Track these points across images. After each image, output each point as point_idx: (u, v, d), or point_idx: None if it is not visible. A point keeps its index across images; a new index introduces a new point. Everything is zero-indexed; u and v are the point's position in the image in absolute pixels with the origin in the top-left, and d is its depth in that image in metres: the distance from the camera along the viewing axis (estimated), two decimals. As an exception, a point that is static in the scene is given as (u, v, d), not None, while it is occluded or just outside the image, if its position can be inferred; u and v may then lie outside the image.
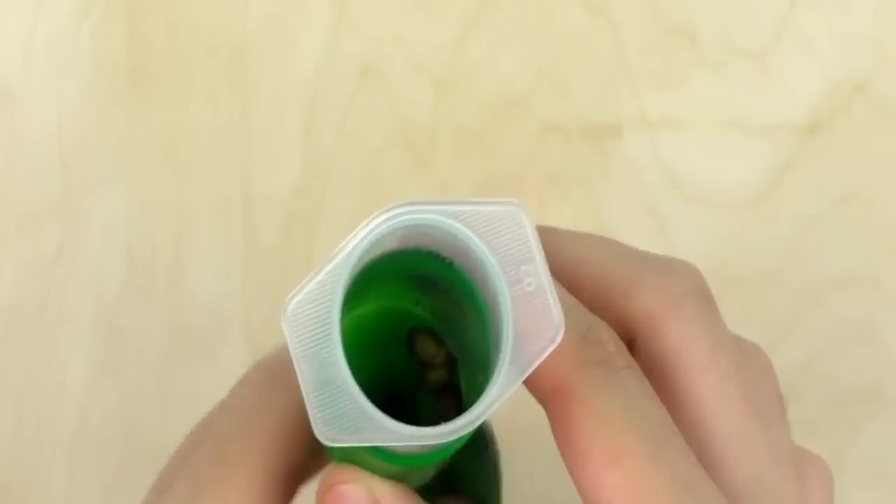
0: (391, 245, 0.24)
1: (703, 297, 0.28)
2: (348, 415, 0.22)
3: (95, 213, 0.49)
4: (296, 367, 0.22)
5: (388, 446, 0.23)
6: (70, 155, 0.50)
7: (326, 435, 0.22)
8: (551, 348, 0.23)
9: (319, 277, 0.23)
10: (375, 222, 0.24)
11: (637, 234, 0.49)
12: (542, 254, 0.23)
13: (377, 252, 0.24)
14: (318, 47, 0.51)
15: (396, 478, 0.26)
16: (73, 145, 0.50)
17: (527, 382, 0.25)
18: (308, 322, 0.22)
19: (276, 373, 0.30)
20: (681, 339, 0.27)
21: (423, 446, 0.23)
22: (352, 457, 0.26)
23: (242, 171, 0.50)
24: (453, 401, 0.27)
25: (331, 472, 0.26)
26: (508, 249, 0.23)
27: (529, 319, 0.23)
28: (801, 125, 0.49)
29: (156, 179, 0.50)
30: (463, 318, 0.25)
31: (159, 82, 0.51)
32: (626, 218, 0.49)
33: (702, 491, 0.24)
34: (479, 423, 0.23)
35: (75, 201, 0.50)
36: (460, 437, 0.23)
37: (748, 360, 0.28)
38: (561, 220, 0.49)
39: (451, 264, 0.24)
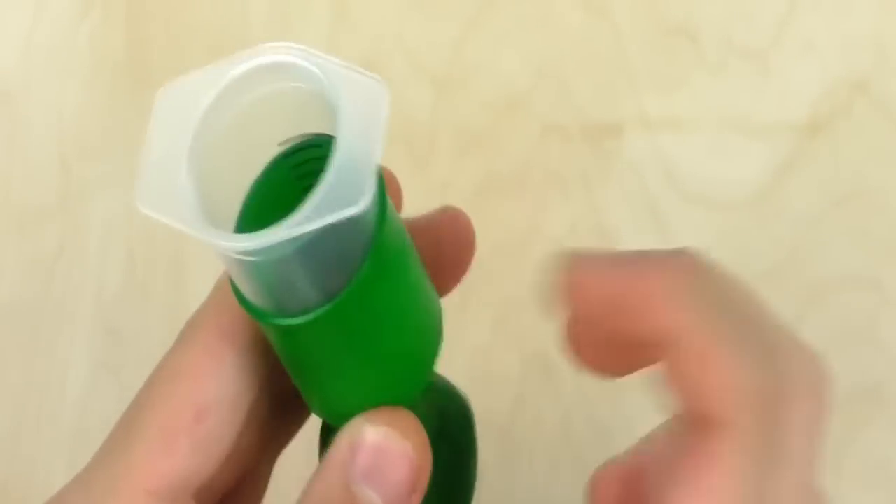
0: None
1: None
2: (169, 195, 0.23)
3: (95, 213, 0.49)
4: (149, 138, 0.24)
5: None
6: (70, 155, 0.50)
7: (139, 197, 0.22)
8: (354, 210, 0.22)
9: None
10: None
11: (637, 234, 0.48)
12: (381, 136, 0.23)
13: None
14: (319, 47, 0.51)
15: None
16: (73, 145, 0.50)
17: (683, 395, 0.24)
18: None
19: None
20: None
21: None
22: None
23: (242, 171, 0.50)
24: None
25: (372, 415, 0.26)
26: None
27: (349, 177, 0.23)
28: (801, 125, 0.49)
29: (156, 179, 0.50)
30: None
31: (159, 82, 0.51)
32: (626, 218, 0.49)
33: None
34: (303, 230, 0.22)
35: (75, 201, 0.50)
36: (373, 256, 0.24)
37: None
38: (561, 220, 0.49)
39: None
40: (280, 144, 0.25)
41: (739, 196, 0.49)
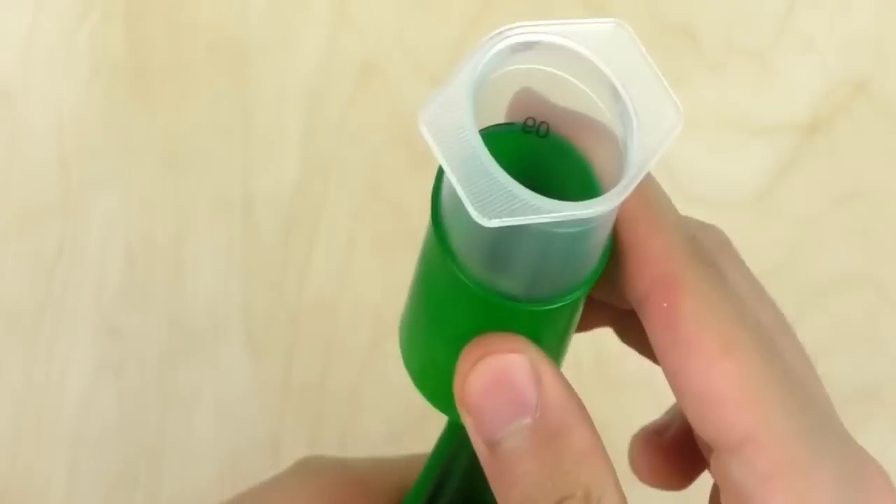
0: (498, 73, 0.25)
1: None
2: (499, 199, 0.22)
3: (95, 212, 0.49)
4: (443, 163, 0.23)
5: (545, 227, 0.23)
6: (70, 155, 0.50)
7: (484, 214, 0.22)
8: (677, 130, 0.23)
9: (449, 90, 0.24)
10: (492, 41, 0.25)
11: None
12: (651, 63, 0.24)
13: (496, 71, 0.24)
14: (318, 47, 0.51)
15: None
16: (73, 145, 0.50)
17: (631, 273, 0.25)
18: (445, 126, 0.24)
19: None
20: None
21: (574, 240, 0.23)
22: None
23: (242, 171, 0.50)
24: None
25: (488, 340, 0.25)
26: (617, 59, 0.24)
27: (651, 110, 0.24)
28: (801, 125, 0.49)
29: (156, 179, 0.50)
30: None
31: (159, 82, 0.51)
32: (626, 218, 0.49)
33: (812, 387, 0.25)
34: (631, 189, 0.23)
35: (75, 201, 0.50)
36: (605, 254, 0.24)
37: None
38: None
39: (546, 135, 0.25)
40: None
41: (739, 196, 0.49)
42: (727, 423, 0.24)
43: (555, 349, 0.26)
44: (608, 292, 0.26)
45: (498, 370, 0.24)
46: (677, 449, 0.30)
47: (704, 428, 0.24)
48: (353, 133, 0.50)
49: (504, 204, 0.22)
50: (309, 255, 0.49)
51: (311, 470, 0.33)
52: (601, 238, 0.25)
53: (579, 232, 0.24)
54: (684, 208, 0.50)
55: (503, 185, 0.22)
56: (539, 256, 0.24)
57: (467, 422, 0.25)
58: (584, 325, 0.28)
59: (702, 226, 0.29)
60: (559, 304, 0.25)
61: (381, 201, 0.50)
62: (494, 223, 0.22)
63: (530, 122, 0.25)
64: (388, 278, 0.48)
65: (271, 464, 0.47)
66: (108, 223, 0.49)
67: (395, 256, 0.48)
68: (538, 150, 0.25)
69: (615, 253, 0.26)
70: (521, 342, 0.25)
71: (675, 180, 0.49)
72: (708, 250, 0.26)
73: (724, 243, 0.29)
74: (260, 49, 0.51)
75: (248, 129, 0.50)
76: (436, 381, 0.27)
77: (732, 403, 0.24)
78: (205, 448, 0.47)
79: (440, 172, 0.26)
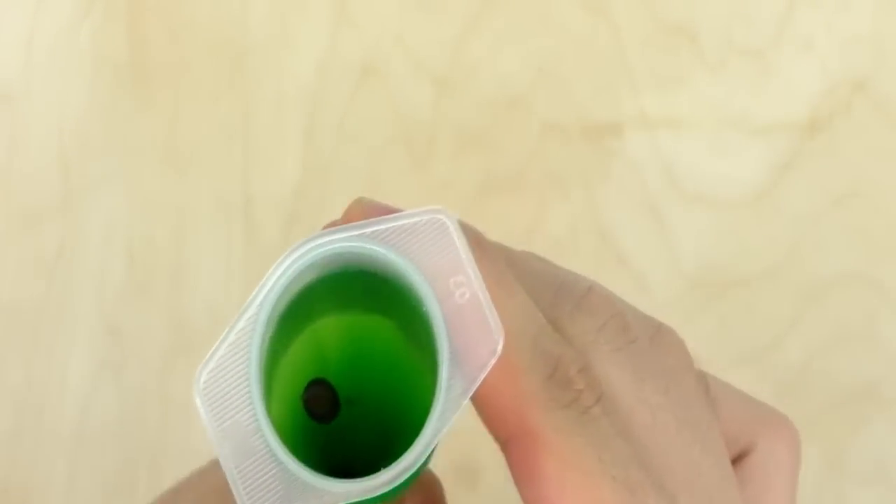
0: (312, 276, 0.22)
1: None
2: (277, 484, 0.20)
3: (95, 212, 0.49)
4: (215, 445, 0.21)
5: None
6: (70, 155, 0.50)
7: None
8: (492, 362, 0.21)
9: (230, 339, 0.21)
10: (285, 264, 0.21)
11: (637, 234, 0.49)
12: (472, 260, 0.21)
13: (300, 285, 0.22)
14: (318, 47, 0.51)
15: None
16: (74, 145, 0.50)
17: (486, 422, 0.23)
18: (224, 390, 0.21)
19: None
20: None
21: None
22: None
23: (242, 171, 0.50)
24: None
25: None
26: (437, 261, 0.21)
27: (467, 334, 0.21)
28: (801, 125, 0.49)
29: (156, 179, 0.50)
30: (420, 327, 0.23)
31: (159, 82, 0.51)
32: (626, 217, 0.49)
33: None
34: (422, 460, 0.21)
35: (75, 201, 0.50)
36: (410, 476, 0.21)
37: (663, 355, 0.26)
38: (561, 219, 0.49)
39: (386, 280, 0.23)
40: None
41: (739, 195, 0.49)
42: None
43: None
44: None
45: None
46: None
47: None
48: (353, 133, 0.50)
49: (283, 487, 0.20)
50: (309, 254, 0.49)
51: None
52: (413, 469, 0.22)
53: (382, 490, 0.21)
54: (684, 208, 0.50)
55: (285, 465, 0.20)
56: None
57: None
58: None
59: (655, 328, 0.26)
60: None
61: (381, 201, 0.50)
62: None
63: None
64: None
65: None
66: (109, 223, 0.49)
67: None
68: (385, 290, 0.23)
69: (474, 398, 0.23)
70: None
71: (675, 180, 0.49)
72: (568, 384, 0.23)
73: (669, 347, 0.26)
74: (260, 49, 0.51)
75: (248, 129, 0.50)
76: None
77: None
78: (205, 448, 0.47)
79: None
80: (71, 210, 0.49)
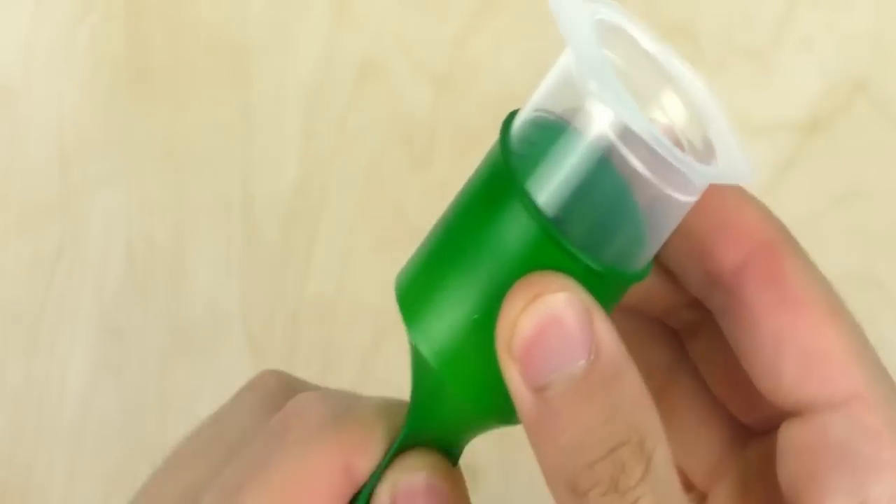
0: None
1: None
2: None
3: (95, 211, 0.49)
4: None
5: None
6: (70, 154, 0.50)
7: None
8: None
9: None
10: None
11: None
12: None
13: None
14: (318, 46, 0.51)
15: None
16: (74, 145, 0.50)
17: (725, 239, 0.27)
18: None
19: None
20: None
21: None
22: None
23: (242, 171, 0.50)
24: None
25: (537, 281, 0.23)
26: None
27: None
28: (801, 124, 0.49)
29: (156, 179, 0.50)
30: None
31: (159, 82, 0.51)
32: (626, 217, 0.49)
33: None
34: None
35: (75, 200, 0.50)
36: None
37: None
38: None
39: None
40: None
41: (739, 195, 0.49)
42: (834, 379, 0.25)
43: None
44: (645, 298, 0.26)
45: (550, 311, 0.23)
46: None
47: (805, 385, 0.25)
48: (353, 133, 0.50)
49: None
50: (309, 255, 0.49)
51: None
52: (674, 224, 0.25)
53: (675, 202, 0.24)
54: (684, 208, 0.50)
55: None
56: (622, 213, 0.23)
57: (510, 369, 0.23)
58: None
59: None
60: (620, 275, 0.23)
61: (381, 201, 0.50)
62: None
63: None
64: (388, 278, 0.48)
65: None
66: (109, 222, 0.49)
67: (394, 256, 0.48)
68: None
69: (691, 233, 0.26)
70: (571, 282, 0.23)
71: (675, 180, 0.49)
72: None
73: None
74: (260, 49, 0.51)
75: (248, 129, 0.50)
76: (452, 336, 0.25)
77: (840, 361, 0.25)
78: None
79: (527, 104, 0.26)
80: (71, 209, 0.49)
